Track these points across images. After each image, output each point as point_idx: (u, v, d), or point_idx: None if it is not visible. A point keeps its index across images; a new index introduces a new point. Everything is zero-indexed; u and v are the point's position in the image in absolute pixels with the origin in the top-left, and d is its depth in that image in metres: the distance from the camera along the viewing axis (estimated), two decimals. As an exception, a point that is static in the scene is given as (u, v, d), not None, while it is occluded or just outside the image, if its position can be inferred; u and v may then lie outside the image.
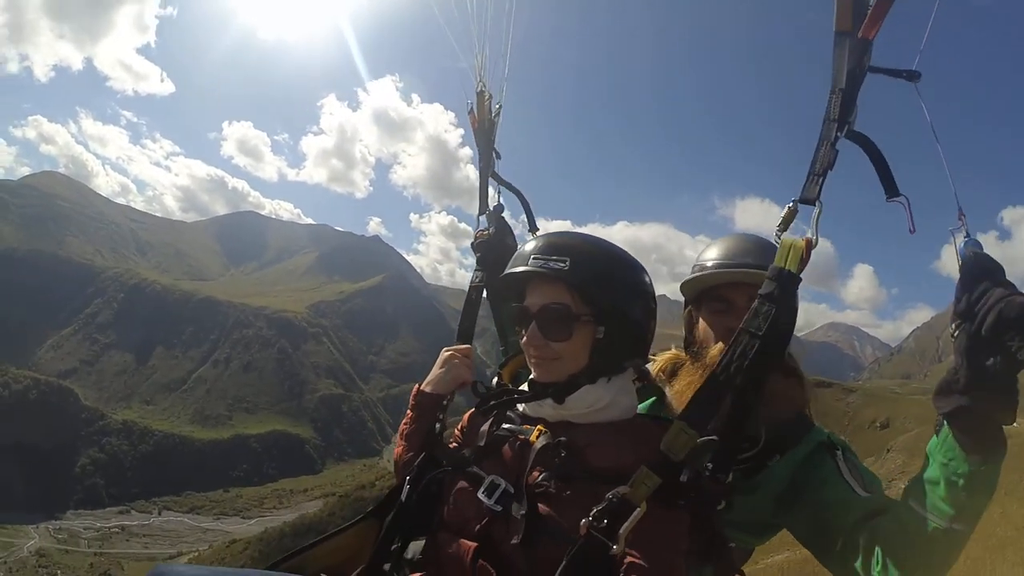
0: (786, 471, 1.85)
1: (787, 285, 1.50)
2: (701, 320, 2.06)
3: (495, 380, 2.00)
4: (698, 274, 2.03)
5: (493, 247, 2.47)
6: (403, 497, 1.73)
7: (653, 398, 2.13)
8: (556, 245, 1.63)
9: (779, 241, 1.55)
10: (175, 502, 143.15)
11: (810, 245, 1.50)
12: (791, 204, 1.56)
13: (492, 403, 1.78)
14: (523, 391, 1.73)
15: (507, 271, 1.70)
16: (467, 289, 2.44)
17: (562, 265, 1.58)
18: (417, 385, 2.04)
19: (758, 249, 1.99)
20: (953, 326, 1.33)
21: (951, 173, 1.43)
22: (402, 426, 2.00)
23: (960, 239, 1.36)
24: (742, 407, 1.50)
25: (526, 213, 2.72)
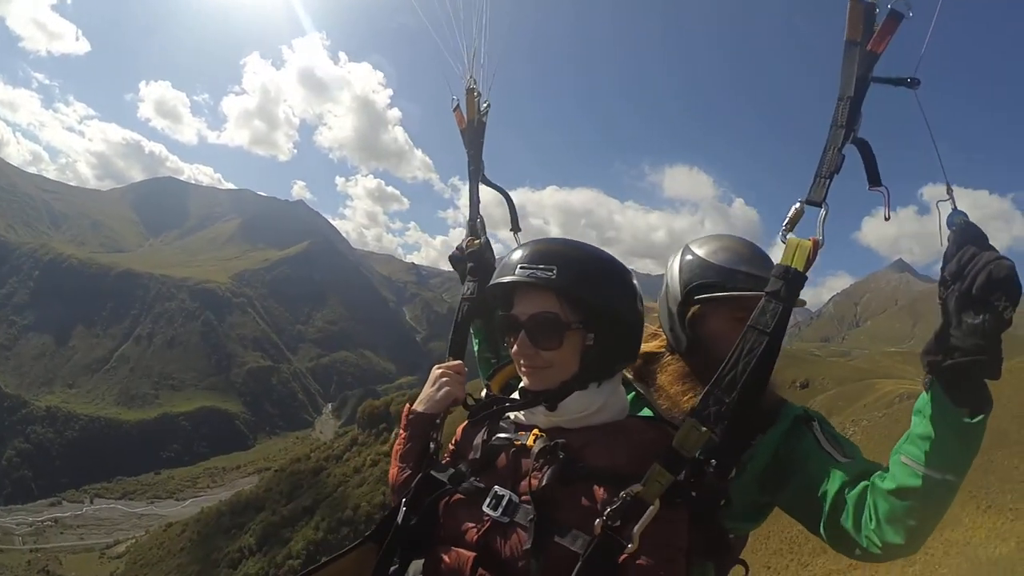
0: (768, 448, 1.87)
1: (794, 284, 1.52)
2: (715, 326, 2.00)
3: (484, 392, 1.96)
4: (737, 288, 1.93)
5: (485, 256, 2.42)
6: (400, 520, 1.69)
7: (633, 393, 2.09)
8: (543, 253, 1.62)
9: (785, 240, 1.57)
10: (106, 489, 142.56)
11: (817, 245, 1.53)
12: (798, 205, 1.58)
13: (484, 414, 1.77)
14: (514, 399, 1.74)
15: (494, 280, 1.68)
16: (458, 302, 2.35)
17: (550, 274, 1.56)
18: (408, 404, 1.99)
19: (765, 262, 1.99)
20: (942, 289, 1.39)
21: (941, 157, 1.49)
22: (396, 446, 1.96)
23: (947, 210, 1.42)
24: (748, 403, 1.52)
25: (510, 212, 2.54)
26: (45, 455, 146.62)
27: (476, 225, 2.51)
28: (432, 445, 1.91)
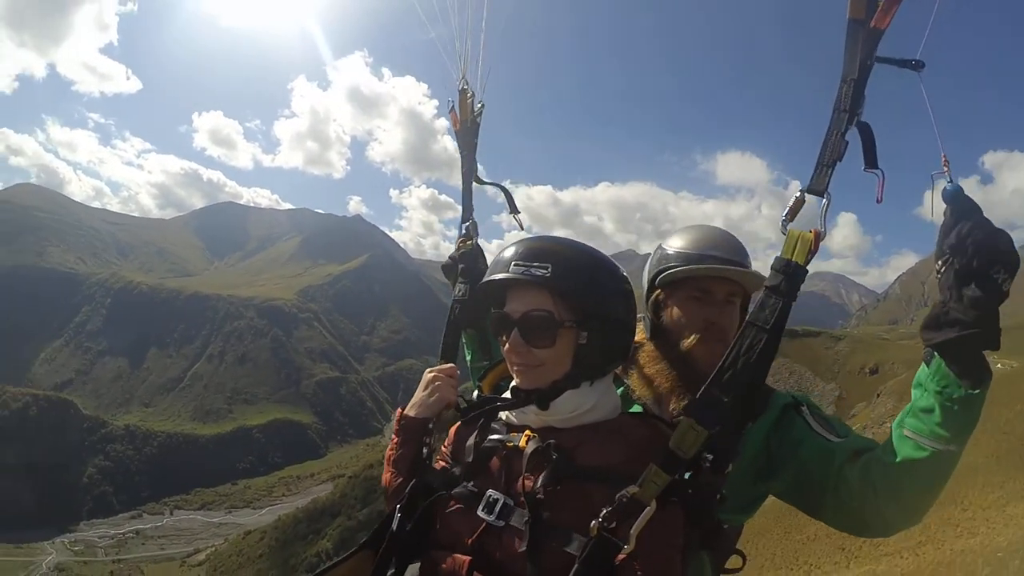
0: (759, 437, 1.86)
1: (794, 278, 1.50)
2: (674, 306, 2.03)
3: (476, 393, 1.96)
4: (689, 266, 1.99)
5: (477, 258, 2.40)
6: (395, 526, 1.69)
7: (622, 388, 2.09)
8: (537, 251, 1.60)
9: (786, 231, 1.54)
10: (185, 500, 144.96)
11: (819, 238, 1.50)
12: (799, 194, 1.55)
13: (475, 414, 1.76)
14: (506, 399, 1.73)
15: (487, 278, 1.67)
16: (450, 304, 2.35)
17: (544, 271, 1.55)
18: (400, 409, 1.98)
19: (731, 245, 2.02)
20: (940, 263, 1.39)
21: (936, 124, 1.46)
22: (388, 451, 1.95)
23: (943, 183, 1.40)
24: (747, 400, 1.51)
25: (507, 199, 2.56)
26: (125, 471, 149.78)
27: (469, 227, 2.50)
28: (425, 450, 1.89)
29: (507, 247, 1.67)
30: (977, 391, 1.41)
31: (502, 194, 2.56)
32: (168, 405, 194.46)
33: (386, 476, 1.92)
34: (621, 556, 1.39)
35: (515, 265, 1.59)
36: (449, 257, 2.49)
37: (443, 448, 1.86)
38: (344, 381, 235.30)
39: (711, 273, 1.98)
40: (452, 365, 2.08)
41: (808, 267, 1.51)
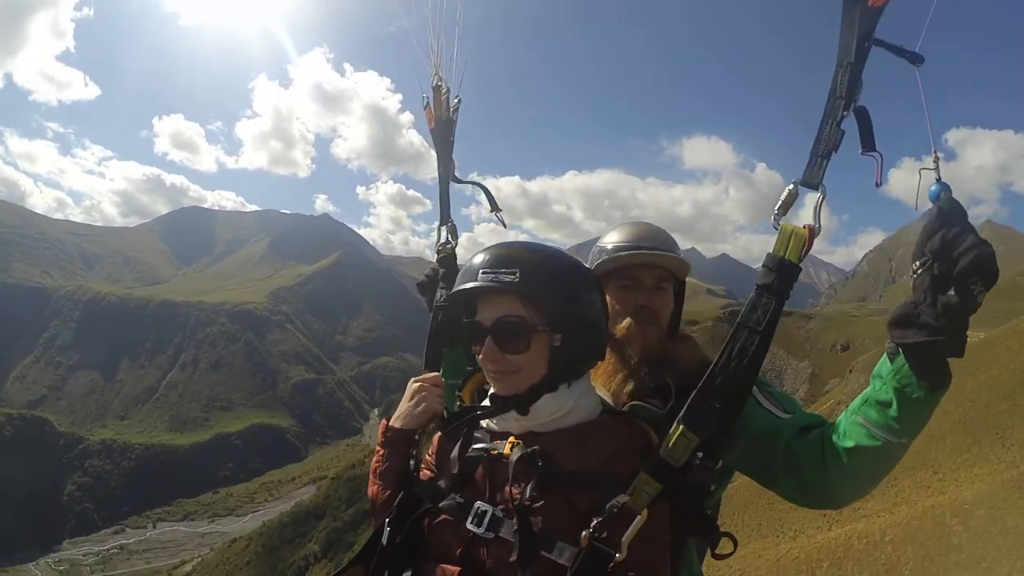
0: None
1: (788, 276, 1.48)
2: (610, 297, 2.05)
3: (457, 403, 1.91)
4: (615, 255, 2.06)
5: (455, 263, 2.39)
6: (384, 540, 1.67)
7: None
8: (504, 257, 1.59)
9: (778, 226, 1.51)
10: (168, 512, 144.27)
11: (812, 233, 1.47)
12: (791, 187, 1.51)
13: (457, 424, 1.75)
14: (486, 407, 1.72)
15: (456, 287, 1.65)
16: (432, 310, 2.31)
17: (512, 277, 1.54)
18: (385, 420, 1.95)
19: (667, 238, 2.11)
20: (918, 263, 1.37)
21: (930, 120, 1.42)
22: (374, 463, 1.91)
23: (932, 179, 1.37)
24: (737, 403, 1.51)
25: (487, 197, 2.55)
26: (105, 486, 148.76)
27: (449, 228, 2.46)
28: (412, 462, 1.86)
29: (474, 255, 1.66)
30: (935, 393, 1.44)
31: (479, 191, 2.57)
32: (144, 417, 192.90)
33: (373, 489, 1.89)
34: (612, 564, 1.39)
35: (483, 273, 1.58)
36: (424, 275, 2.50)
37: (427, 457, 1.87)
38: (320, 382, 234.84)
39: (634, 260, 2.04)
40: (437, 374, 2.04)
41: (801, 264, 1.47)
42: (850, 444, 1.57)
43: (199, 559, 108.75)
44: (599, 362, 1.78)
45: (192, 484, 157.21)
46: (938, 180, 1.37)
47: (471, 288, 1.60)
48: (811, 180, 1.48)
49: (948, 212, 1.34)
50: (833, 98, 1.46)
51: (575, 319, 1.60)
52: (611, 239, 2.15)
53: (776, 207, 1.53)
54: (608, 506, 1.41)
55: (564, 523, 1.44)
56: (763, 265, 1.51)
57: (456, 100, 2.46)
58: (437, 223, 2.48)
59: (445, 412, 1.88)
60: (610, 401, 1.89)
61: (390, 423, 1.92)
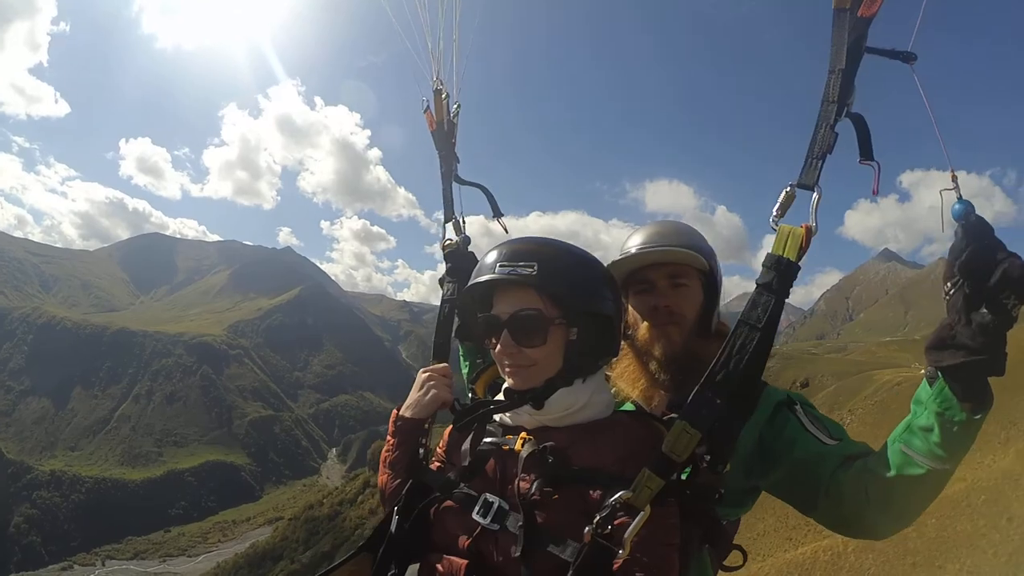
0: (752, 434, 1.85)
1: (786, 274, 1.48)
2: (630, 305, 2.08)
3: (470, 395, 1.95)
4: (618, 258, 2.05)
5: (464, 256, 2.38)
6: (393, 528, 1.69)
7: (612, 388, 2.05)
8: (521, 251, 1.61)
9: (776, 227, 1.52)
10: (117, 550, 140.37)
11: (810, 233, 1.48)
12: (788, 188, 1.52)
13: (469, 418, 1.75)
14: (500, 401, 1.72)
15: (472, 281, 1.66)
16: (439, 304, 2.33)
17: (530, 270, 1.55)
18: (395, 410, 1.97)
19: (675, 232, 2.08)
20: (949, 284, 1.36)
21: (944, 145, 1.41)
22: (384, 453, 1.94)
23: (953, 199, 1.37)
24: (742, 400, 1.50)
25: (489, 201, 2.50)
26: (53, 519, 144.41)
27: (454, 225, 2.49)
28: (421, 451, 1.89)
29: (490, 250, 1.68)
30: (977, 416, 1.42)
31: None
32: (95, 448, 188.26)
33: (382, 478, 1.92)
34: (617, 562, 1.38)
35: (500, 266, 1.59)
36: (443, 243, 2.50)
37: (438, 449, 1.87)
38: (278, 419, 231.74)
39: (637, 262, 2.04)
40: (445, 364, 2.08)
41: (800, 263, 1.48)
42: (892, 473, 1.55)
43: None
44: (613, 359, 1.81)
45: (143, 521, 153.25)
46: (960, 198, 1.37)
47: (488, 280, 1.61)
48: (807, 181, 1.50)
49: (973, 229, 1.34)
50: (826, 103, 1.48)
51: (591, 314, 1.62)
52: (627, 243, 2.15)
53: (774, 208, 1.54)
54: (611, 501, 1.41)
55: (571, 520, 1.45)
56: (763, 264, 1.52)
57: (456, 106, 2.51)
58: (442, 219, 2.51)
59: (457, 403, 1.89)
60: (646, 409, 1.95)
61: (400, 412, 1.95)
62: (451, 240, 2.44)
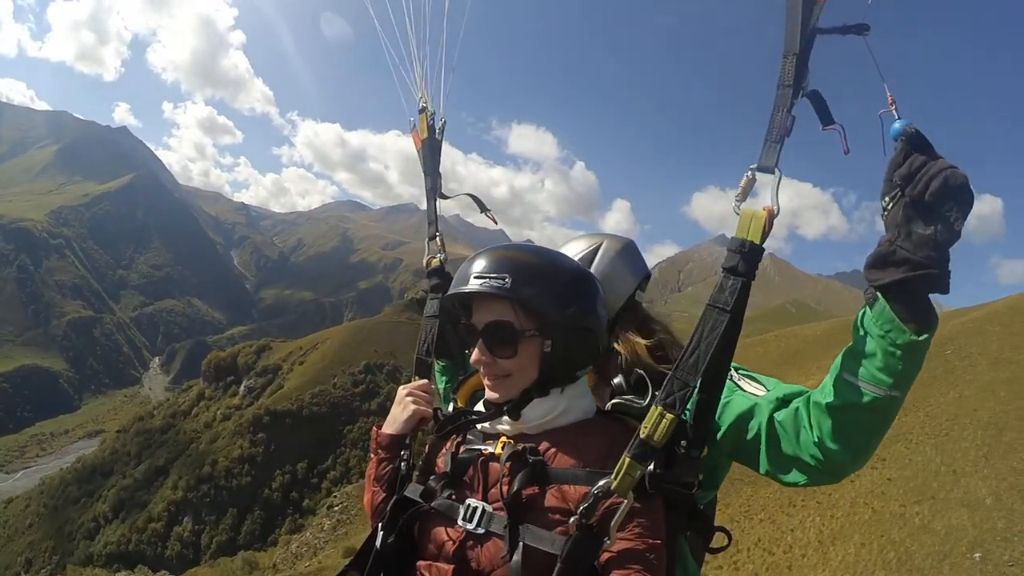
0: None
1: (751, 257, 1.49)
2: None
3: (451, 405, 1.95)
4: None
5: (446, 273, 2.37)
6: (378, 544, 1.70)
7: None
8: (497, 261, 1.62)
9: (739, 212, 1.53)
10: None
11: (771, 215, 1.48)
12: (749, 173, 1.53)
13: (450, 428, 1.78)
14: (479, 411, 1.76)
15: (451, 291, 1.69)
16: (422, 319, 2.32)
17: (503, 282, 1.57)
18: (376, 427, 1.99)
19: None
20: (887, 199, 1.35)
21: (883, 75, 1.40)
22: (368, 470, 1.97)
23: (895, 119, 1.35)
24: (714, 382, 1.53)
25: (477, 203, 2.56)
26: None
27: (436, 243, 2.47)
28: (404, 466, 1.89)
29: (472, 258, 1.69)
30: (922, 337, 1.35)
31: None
32: None
33: (367, 496, 1.94)
34: (605, 554, 1.42)
35: (476, 277, 1.61)
36: (421, 291, 2.50)
37: (420, 461, 1.88)
38: (99, 322, 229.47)
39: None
40: (426, 381, 2.09)
41: (764, 245, 1.49)
42: (838, 402, 1.49)
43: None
44: (592, 366, 1.78)
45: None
46: (898, 119, 1.36)
47: (463, 293, 1.64)
48: (766, 164, 1.50)
49: (913, 140, 1.32)
50: (781, 87, 1.49)
51: (567, 325, 1.61)
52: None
53: (736, 194, 1.55)
54: (593, 490, 1.43)
55: (556, 517, 1.48)
56: (728, 248, 1.53)
57: (442, 122, 2.51)
58: (427, 238, 2.48)
59: (440, 414, 1.91)
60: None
61: (381, 429, 1.97)
62: (435, 257, 2.44)
